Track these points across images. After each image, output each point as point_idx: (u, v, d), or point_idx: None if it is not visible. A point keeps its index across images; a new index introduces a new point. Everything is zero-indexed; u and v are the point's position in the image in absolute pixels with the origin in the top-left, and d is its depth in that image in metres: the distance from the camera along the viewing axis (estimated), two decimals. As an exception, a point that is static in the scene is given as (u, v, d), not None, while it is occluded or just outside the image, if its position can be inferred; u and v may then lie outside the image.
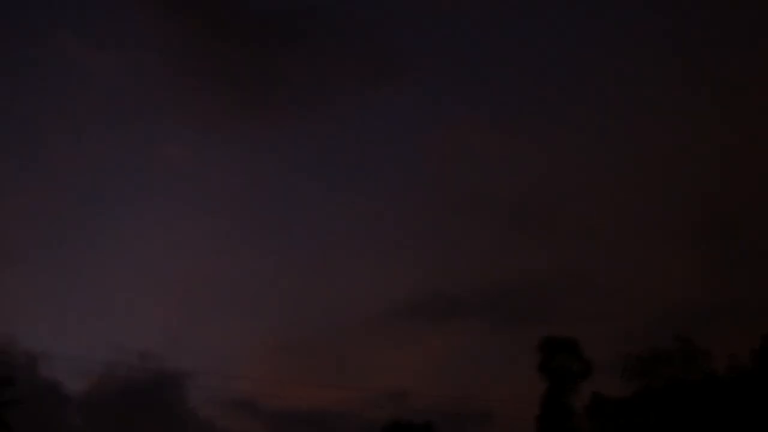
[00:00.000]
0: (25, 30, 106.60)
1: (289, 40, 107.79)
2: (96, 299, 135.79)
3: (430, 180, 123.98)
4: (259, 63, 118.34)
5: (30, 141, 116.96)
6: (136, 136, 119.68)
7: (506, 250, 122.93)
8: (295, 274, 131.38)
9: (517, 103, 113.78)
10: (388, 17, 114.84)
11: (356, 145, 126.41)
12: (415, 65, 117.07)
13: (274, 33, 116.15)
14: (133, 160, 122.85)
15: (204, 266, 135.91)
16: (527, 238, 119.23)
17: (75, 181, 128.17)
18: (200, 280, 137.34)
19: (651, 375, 35.60)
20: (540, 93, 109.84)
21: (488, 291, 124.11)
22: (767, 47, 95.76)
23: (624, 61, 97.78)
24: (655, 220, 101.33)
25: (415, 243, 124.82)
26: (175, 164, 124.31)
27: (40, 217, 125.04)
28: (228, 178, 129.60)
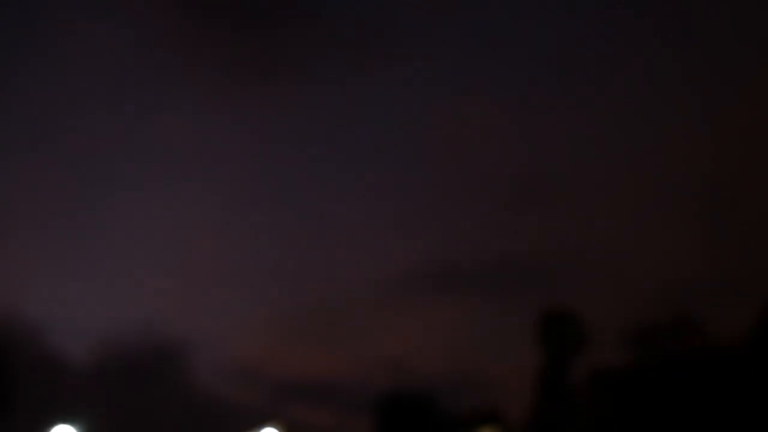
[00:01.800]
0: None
1: (291, 14, 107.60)
2: (97, 269, 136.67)
3: (431, 154, 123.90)
4: (262, 35, 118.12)
5: (28, 110, 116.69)
6: (136, 105, 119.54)
7: (507, 224, 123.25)
8: (296, 245, 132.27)
9: (518, 80, 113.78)
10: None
11: (357, 119, 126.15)
12: (417, 41, 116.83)
13: (278, 5, 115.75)
14: (133, 130, 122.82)
15: (205, 236, 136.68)
16: (528, 212, 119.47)
17: (74, 150, 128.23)
18: (201, 250, 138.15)
19: (649, 348, 35.89)
20: (541, 69, 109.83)
21: (488, 264, 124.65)
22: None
23: (627, 41, 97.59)
24: (655, 193, 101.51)
25: (416, 216, 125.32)
26: (175, 135, 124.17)
27: (39, 186, 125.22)
28: (229, 149, 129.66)
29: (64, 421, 29.17)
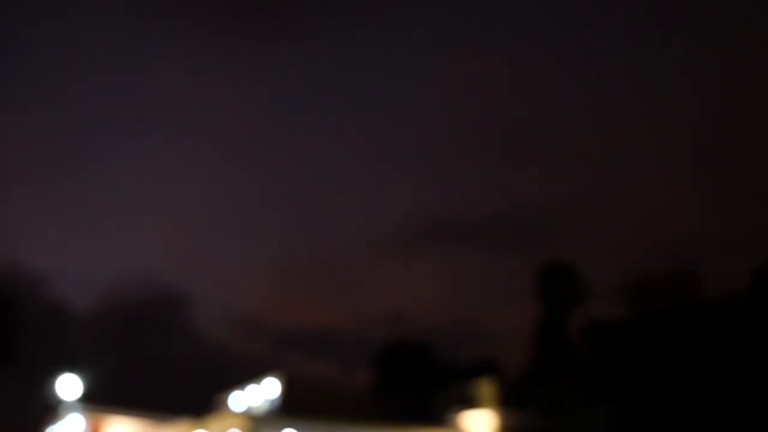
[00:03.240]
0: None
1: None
2: (99, 220, 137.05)
3: (429, 105, 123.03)
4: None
5: (28, 65, 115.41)
6: (134, 59, 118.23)
7: (505, 176, 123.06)
8: (295, 198, 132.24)
9: (517, 28, 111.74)
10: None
11: (353, 70, 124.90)
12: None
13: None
14: (131, 83, 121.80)
15: (205, 188, 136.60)
16: (526, 164, 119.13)
17: (74, 103, 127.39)
18: (202, 202, 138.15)
19: (647, 301, 36.12)
20: (541, 19, 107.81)
21: (487, 216, 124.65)
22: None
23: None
24: (656, 148, 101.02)
25: (414, 168, 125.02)
26: (174, 86, 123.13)
27: (41, 140, 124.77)
28: (227, 101, 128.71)
29: (70, 370, 29.45)
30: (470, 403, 23.69)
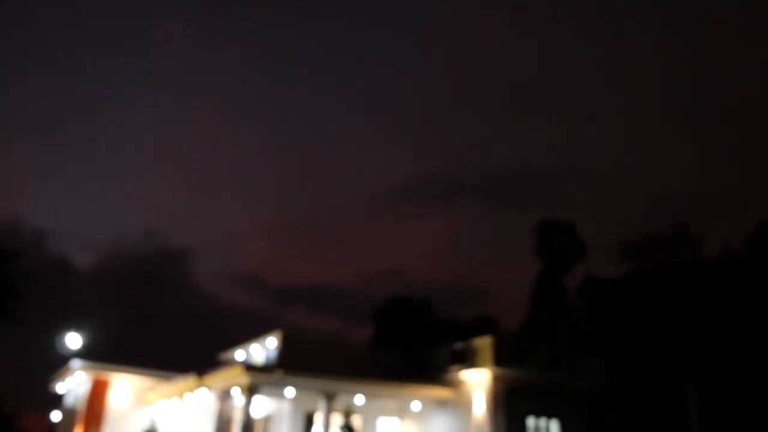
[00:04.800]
0: None
1: None
2: (100, 177, 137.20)
3: (430, 64, 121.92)
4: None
5: (30, 23, 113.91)
6: (136, 12, 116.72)
7: (506, 134, 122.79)
8: (297, 156, 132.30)
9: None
10: None
11: (356, 29, 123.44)
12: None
13: None
14: (133, 38, 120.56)
15: (207, 148, 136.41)
16: (527, 122, 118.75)
17: (76, 60, 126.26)
18: (203, 160, 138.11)
19: (644, 258, 36.35)
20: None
21: (487, 174, 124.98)
22: None
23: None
24: (658, 107, 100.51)
25: (415, 126, 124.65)
26: (175, 43, 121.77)
27: (43, 96, 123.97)
28: (231, 58, 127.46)
29: (73, 327, 29.71)
30: (469, 359, 23.99)
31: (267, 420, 25.85)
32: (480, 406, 23.73)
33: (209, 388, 24.20)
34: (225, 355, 30.34)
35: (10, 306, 38.31)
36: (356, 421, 24.10)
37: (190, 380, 24.18)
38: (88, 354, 28.52)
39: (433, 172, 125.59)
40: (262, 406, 25.57)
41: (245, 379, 21.44)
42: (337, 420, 23.19)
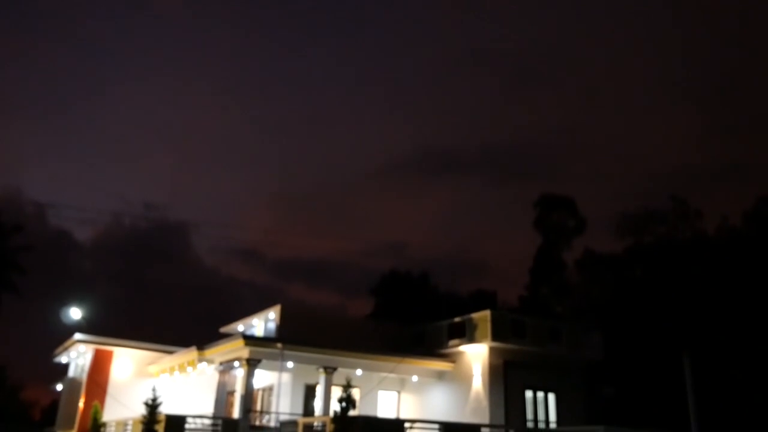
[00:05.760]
0: None
1: None
2: (100, 152, 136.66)
3: (431, 36, 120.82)
4: None
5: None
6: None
7: (506, 109, 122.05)
8: (296, 129, 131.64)
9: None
10: None
11: (353, 2, 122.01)
12: None
13: None
14: (135, 18, 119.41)
15: (206, 119, 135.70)
16: (528, 96, 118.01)
17: (74, 33, 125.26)
18: (203, 133, 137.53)
19: (642, 233, 36.44)
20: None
21: (487, 148, 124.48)
22: None
23: None
24: (657, 83, 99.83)
25: (416, 99, 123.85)
26: (175, 18, 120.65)
27: (43, 70, 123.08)
28: (228, 31, 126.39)
29: (75, 301, 29.89)
30: (468, 333, 24.13)
31: (267, 392, 26.13)
32: (479, 379, 23.94)
33: (210, 361, 24.42)
34: (226, 329, 30.54)
35: (11, 279, 38.63)
36: (356, 393, 24.35)
37: (191, 353, 24.38)
38: (90, 327, 28.75)
39: (432, 147, 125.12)
40: (262, 378, 25.83)
41: (246, 351, 21.62)
42: (336, 392, 23.43)
